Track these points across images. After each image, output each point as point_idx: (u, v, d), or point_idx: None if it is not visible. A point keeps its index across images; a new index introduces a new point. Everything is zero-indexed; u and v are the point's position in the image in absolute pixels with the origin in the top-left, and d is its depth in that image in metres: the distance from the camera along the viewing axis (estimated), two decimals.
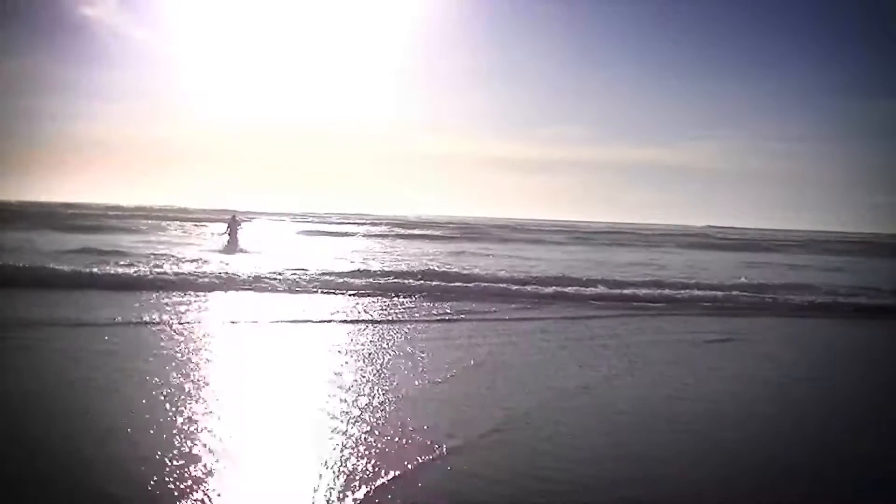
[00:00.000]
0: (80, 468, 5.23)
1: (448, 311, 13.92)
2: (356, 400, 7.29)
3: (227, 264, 19.62)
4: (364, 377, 8.33)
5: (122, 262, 18.68)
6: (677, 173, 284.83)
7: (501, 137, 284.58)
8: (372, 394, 7.55)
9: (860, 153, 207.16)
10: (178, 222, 51.24)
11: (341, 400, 7.28)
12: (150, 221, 50.54)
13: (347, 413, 6.81)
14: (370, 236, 45.45)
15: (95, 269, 15.75)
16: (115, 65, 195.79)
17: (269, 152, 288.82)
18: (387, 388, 7.85)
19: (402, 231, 52.35)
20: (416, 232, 51.99)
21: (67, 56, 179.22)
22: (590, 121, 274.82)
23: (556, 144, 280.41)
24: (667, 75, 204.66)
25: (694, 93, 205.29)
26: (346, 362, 9.19)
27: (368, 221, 71.99)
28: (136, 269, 16.52)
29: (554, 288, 16.67)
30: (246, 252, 25.84)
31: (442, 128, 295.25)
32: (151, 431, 6.03)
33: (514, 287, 16.63)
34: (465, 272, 18.75)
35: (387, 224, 65.67)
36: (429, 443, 6.03)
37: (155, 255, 22.26)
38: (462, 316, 13.39)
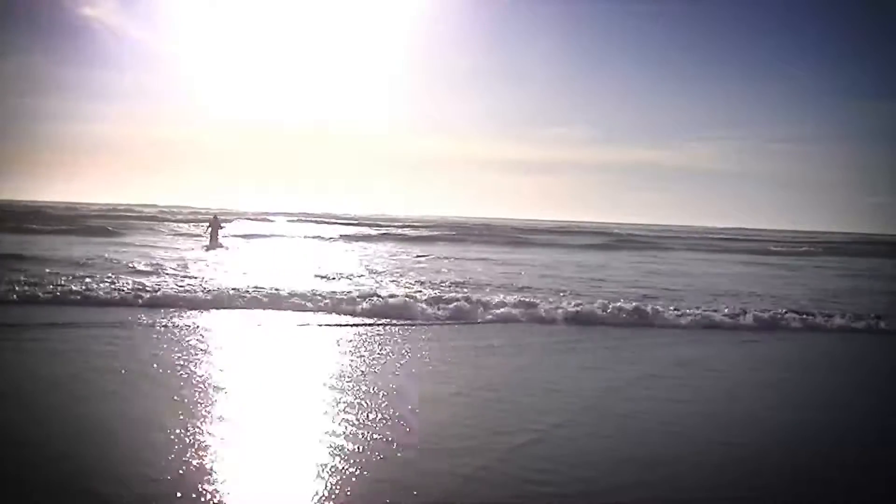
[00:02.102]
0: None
1: (444, 319, 13.22)
2: (343, 409, 7.27)
3: (187, 278, 17.10)
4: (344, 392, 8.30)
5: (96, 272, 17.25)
6: (678, 174, 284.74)
7: (502, 138, 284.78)
8: (359, 405, 7.52)
9: (861, 154, 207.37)
10: (168, 223, 51.17)
11: (332, 405, 7.27)
12: (141, 222, 50.51)
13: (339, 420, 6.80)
14: (366, 239, 44.21)
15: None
16: (115, 65, 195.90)
17: (268, 152, 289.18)
18: (378, 401, 7.81)
19: (401, 233, 51.93)
20: (416, 234, 51.43)
21: (67, 56, 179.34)
22: (590, 122, 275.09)
23: (557, 145, 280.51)
24: (667, 77, 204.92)
25: (694, 94, 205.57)
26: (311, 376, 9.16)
27: (367, 223, 71.76)
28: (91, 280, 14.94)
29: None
30: (225, 249, 29.27)
31: (442, 128, 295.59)
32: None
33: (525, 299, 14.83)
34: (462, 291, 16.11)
35: (386, 225, 65.44)
36: (430, 447, 6.02)
37: (113, 261, 20.58)
38: (459, 323, 13.35)
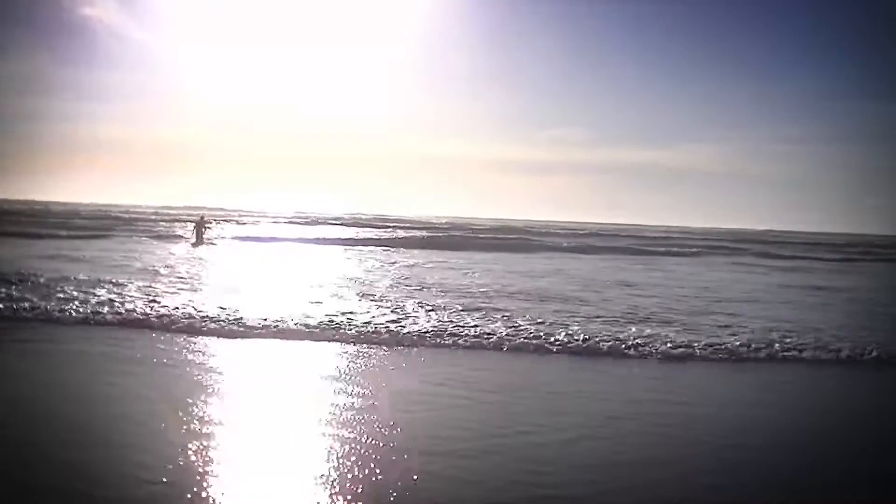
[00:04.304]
0: None
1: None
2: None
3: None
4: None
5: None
6: (678, 175, 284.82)
7: (502, 139, 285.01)
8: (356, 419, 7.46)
9: (860, 155, 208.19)
10: (163, 223, 50.82)
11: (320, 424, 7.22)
12: (136, 224, 50.18)
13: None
14: (362, 242, 40.16)
15: None
16: (115, 65, 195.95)
17: (268, 152, 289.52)
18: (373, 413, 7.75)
19: (401, 235, 51.42)
20: (416, 234, 50.85)
21: (67, 56, 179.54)
22: (590, 123, 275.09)
23: (558, 147, 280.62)
24: (667, 78, 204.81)
25: (695, 95, 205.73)
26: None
27: (365, 223, 71.51)
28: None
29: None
30: (210, 246, 31.73)
31: (442, 129, 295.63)
32: None
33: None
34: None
35: (386, 226, 65.25)
36: (430, 449, 6.00)
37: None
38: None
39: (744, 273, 28.21)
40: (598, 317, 13.27)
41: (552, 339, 10.97)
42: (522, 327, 11.72)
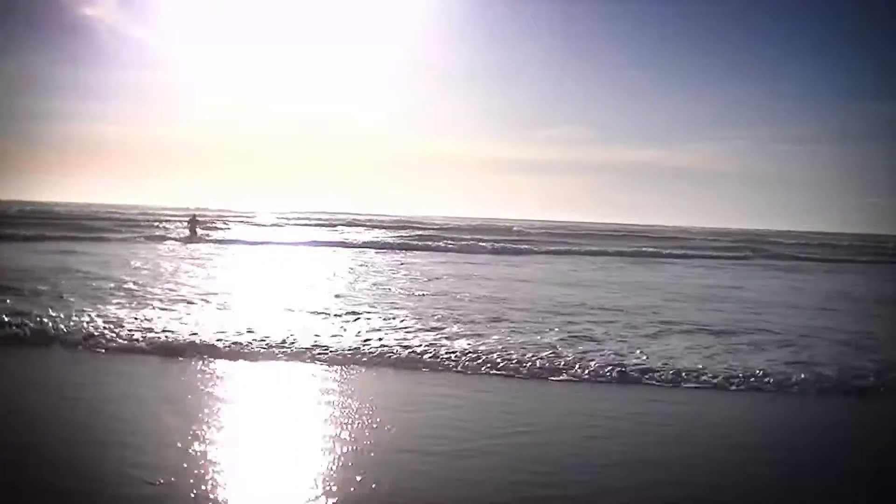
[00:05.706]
0: None
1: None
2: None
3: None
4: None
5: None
6: (678, 175, 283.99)
7: (501, 139, 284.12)
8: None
9: (861, 155, 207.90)
10: (160, 224, 50.45)
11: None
12: (132, 222, 49.85)
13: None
14: (361, 244, 37.38)
15: None
16: (115, 65, 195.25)
17: (267, 152, 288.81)
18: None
19: (401, 236, 51.15)
20: (415, 235, 50.40)
21: (67, 56, 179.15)
22: (590, 122, 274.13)
23: (557, 146, 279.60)
24: (668, 78, 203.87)
25: (695, 95, 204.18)
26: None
27: (363, 223, 71.24)
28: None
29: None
30: (203, 243, 32.92)
31: (441, 129, 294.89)
32: None
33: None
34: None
35: (386, 227, 65.08)
36: (429, 448, 5.99)
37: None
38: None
39: (773, 279, 26.54)
40: (617, 322, 12.87)
41: (564, 363, 9.03)
42: (534, 343, 10.11)
